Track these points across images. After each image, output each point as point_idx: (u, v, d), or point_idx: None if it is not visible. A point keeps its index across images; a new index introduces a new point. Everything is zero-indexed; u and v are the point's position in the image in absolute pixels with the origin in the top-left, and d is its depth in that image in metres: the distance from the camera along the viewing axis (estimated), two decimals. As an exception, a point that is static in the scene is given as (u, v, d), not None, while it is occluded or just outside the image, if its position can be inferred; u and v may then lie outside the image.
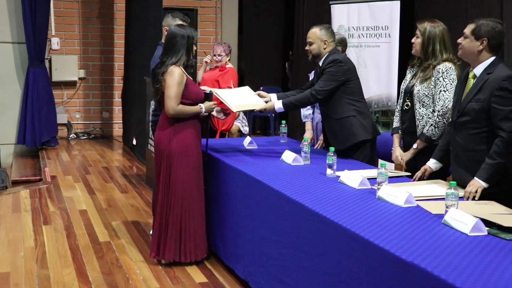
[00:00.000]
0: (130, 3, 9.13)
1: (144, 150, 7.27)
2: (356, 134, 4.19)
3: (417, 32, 3.81)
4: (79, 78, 9.97)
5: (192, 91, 4.14)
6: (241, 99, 4.37)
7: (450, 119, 3.53)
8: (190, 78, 4.20)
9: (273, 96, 4.46)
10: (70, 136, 9.92)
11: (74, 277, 4.06)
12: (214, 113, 4.48)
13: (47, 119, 8.84)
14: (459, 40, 3.27)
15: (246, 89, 4.61)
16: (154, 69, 4.31)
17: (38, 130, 8.68)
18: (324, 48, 4.27)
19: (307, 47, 4.36)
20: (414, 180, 3.54)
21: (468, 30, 3.22)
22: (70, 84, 9.96)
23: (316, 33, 4.29)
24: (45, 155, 8.40)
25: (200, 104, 4.16)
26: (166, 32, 4.50)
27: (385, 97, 6.51)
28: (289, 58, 10.95)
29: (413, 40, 3.85)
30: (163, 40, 4.60)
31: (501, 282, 2.00)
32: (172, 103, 4.03)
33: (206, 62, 6.03)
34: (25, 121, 8.68)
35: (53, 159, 8.17)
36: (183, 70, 4.11)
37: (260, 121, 11.22)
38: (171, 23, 4.56)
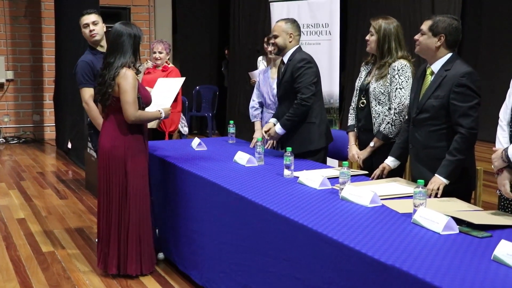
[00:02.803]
0: (59, 1, 8.80)
1: (82, 154, 7.01)
2: (313, 141, 4.18)
3: (371, 29, 3.80)
4: (7, 80, 9.55)
5: (143, 95, 3.96)
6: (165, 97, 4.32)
7: (407, 117, 3.55)
8: (139, 81, 4.03)
9: (272, 120, 4.40)
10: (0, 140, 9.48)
11: (16, 284, 3.84)
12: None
13: (-26, 124, 8.43)
14: (416, 37, 3.28)
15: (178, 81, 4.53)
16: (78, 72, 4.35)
17: (-36, 135, 8.25)
18: (290, 42, 4.22)
19: (272, 40, 4.32)
20: (372, 179, 3.53)
21: (425, 26, 3.23)
22: (-2, 86, 9.53)
23: (281, 26, 4.23)
24: (-26, 161, 7.99)
25: (159, 109, 4.01)
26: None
27: (327, 95, 6.51)
28: (225, 57, 10.87)
29: (367, 38, 3.84)
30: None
31: (485, 283, 1.99)
32: (132, 109, 3.80)
33: (148, 68, 5.74)
34: (-51, 126, 8.23)
35: (-18, 166, 7.77)
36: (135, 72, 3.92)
37: (196, 121, 11.10)
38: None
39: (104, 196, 3.97)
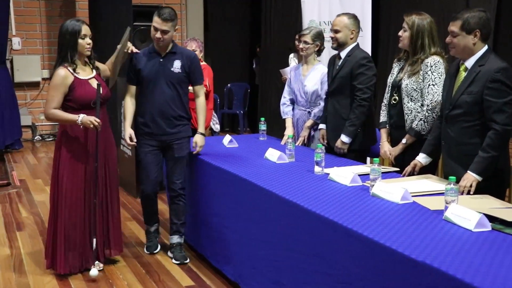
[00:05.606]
0: (93, 1, 8.91)
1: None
2: (357, 141, 4.21)
3: (404, 25, 3.76)
4: (43, 79, 9.71)
5: (78, 94, 3.87)
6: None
7: (439, 113, 3.51)
8: (83, 78, 3.92)
9: (322, 126, 4.51)
10: (35, 138, 9.66)
11: (55, 284, 3.92)
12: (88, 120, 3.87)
13: (11, 122, 8.58)
14: (448, 40, 3.21)
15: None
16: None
17: (1, 133, 8.40)
18: (351, 38, 4.25)
19: (331, 35, 4.31)
20: (404, 176, 3.51)
21: (455, 27, 3.17)
22: (33, 85, 9.69)
23: (344, 21, 4.24)
24: (11, 158, 8.15)
25: (80, 115, 3.82)
26: None
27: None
28: (256, 54, 10.89)
29: (400, 33, 3.80)
30: None
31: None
32: (46, 106, 3.89)
33: None
34: (-13, 124, 8.41)
35: (19, 162, 7.93)
36: (70, 70, 3.86)
37: (228, 119, 11.14)
38: None
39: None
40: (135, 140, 4.22)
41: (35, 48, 9.65)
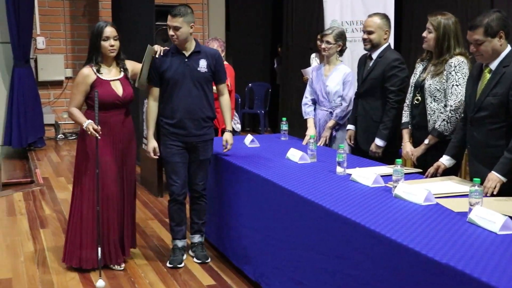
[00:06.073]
0: (116, 1, 8.99)
1: (138, 150, 7.13)
2: (394, 143, 4.22)
3: (429, 26, 3.72)
4: (66, 78, 9.81)
5: (101, 92, 3.92)
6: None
7: (462, 115, 3.48)
8: (105, 79, 4.01)
9: (350, 127, 4.55)
10: (58, 136, 9.76)
11: (78, 281, 3.96)
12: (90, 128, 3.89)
13: (34, 120, 8.68)
14: (473, 49, 3.17)
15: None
16: None
17: (24, 131, 8.52)
18: (384, 39, 4.24)
19: (365, 36, 4.29)
20: (427, 177, 3.49)
21: (478, 35, 3.11)
22: (57, 84, 9.79)
23: (377, 21, 4.24)
24: (35, 156, 8.24)
25: (87, 121, 3.89)
26: None
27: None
28: (278, 54, 10.89)
29: (424, 34, 3.77)
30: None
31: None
32: (69, 104, 4.07)
33: None
34: (11, 122, 8.51)
35: (42, 160, 8.02)
36: (93, 70, 3.99)
37: (249, 118, 11.16)
38: None
39: None
40: (158, 154, 4.19)
41: (59, 47, 9.75)
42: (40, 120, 8.89)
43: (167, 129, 4.15)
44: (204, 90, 4.14)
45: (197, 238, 4.34)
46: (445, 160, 3.48)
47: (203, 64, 4.12)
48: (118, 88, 4.06)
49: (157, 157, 4.21)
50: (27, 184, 6.78)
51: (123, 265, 4.16)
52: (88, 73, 3.99)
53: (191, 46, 4.13)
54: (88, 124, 3.88)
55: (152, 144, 4.20)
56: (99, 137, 3.88)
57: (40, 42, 9.55)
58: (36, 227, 5.15)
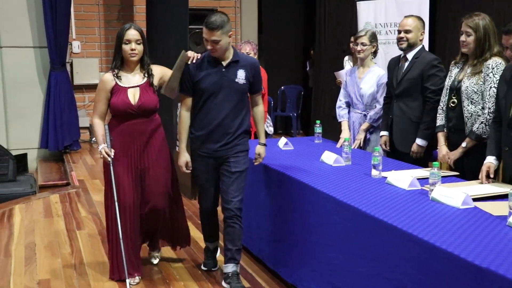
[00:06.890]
0: (150, 5, 9.08)
1: (172, 153, 7.18)
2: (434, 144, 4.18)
3: (468, 29, 3.68)
4: (101, 81, 9.94)
5: (112, 101, 3.83)
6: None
7: (496, 118, 3.41)
8: (123, 86, 3.85)
9: (384, 133, 4.55)
10: (93, 139, 9.88)
11: (114, 284, 4.00)
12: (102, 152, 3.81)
13: (69, 123, 8.81)
14: (510, 53, 3.13)
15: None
16: None
17: (60, 134, 8.66)
18: (420, 40, 4.26)
19: (402, 35, 4.30)
20: (482, 182, 3.29)
21: None
22: (92, 87, 9.88)
23: (415, 22, 4.29)
24: (70, 159, 8.37)
25: (101, 145, 3.79)
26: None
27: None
28: (310, 57, 10.87)
29: (463, 39, 3.71)
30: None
31: None
32: (93, 112, 3.93)
33: None
34: (47, 125, 8.66)
35: (78, 163, 8.14)
36: (114, 75, 3.85)
37: (281, 121, 11.16)
38: None
39: None
40: (191, 168, 3.97)
41: (94, 51, 9.88)
42: (76, 123, 9.01)
43: (197, 143, 3.90)
44: (240, 102, 3.85)
45: (231, 268, 3.88)
46: (493, 160, 3.35)
47: (241, 75, 3.81)
48: (134, 96, 3.85)
49: (189, 171, 3.97)
50: (63, 186, 6.90)
51: (137, 278, 4.03)
52: (106, 79, 3.85)
53: (229, 55, 3.81)
54: (102, 148, 3.77)
55: (184, 158, 3.94)
56: (111, 161, 3.79)
57: (76, 46, 9.69)
58: (73, 229, 5.22)
